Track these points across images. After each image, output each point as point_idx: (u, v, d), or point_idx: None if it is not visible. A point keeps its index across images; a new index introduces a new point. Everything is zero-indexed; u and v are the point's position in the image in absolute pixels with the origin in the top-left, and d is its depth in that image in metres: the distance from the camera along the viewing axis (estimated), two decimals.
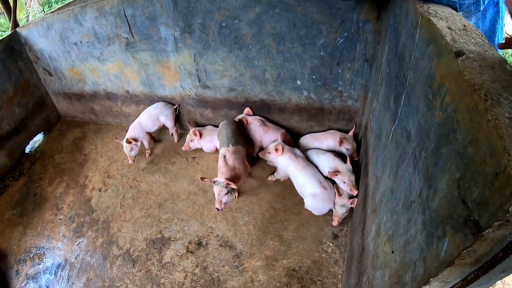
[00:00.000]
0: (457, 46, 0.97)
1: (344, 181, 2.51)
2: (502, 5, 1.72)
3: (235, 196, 2.86)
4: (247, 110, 3.10)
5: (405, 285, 1.02)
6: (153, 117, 3.30)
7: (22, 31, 3.54)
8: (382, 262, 1.33)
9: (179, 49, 2.96)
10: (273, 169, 2.92)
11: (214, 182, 2.46)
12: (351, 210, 2.52)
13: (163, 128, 3.50)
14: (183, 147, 3.22)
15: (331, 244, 2.52)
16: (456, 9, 1.50)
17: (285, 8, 2.43)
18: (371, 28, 2.37)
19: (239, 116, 3.08)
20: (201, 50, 2.88)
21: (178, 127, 3.55)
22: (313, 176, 2.58)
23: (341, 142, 2.79)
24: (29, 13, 16.62)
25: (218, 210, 2.43)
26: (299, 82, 2.79)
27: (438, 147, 0.93)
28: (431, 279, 0.85)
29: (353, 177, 2.52)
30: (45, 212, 3.16)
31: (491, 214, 0.62)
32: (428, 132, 1.03)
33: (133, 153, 3.17)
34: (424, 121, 1.09)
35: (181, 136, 3.54)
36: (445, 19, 1.25)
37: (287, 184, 2.88)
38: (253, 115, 3.11)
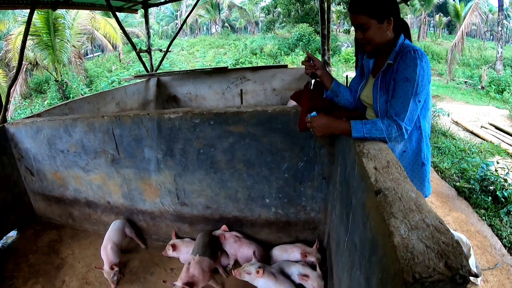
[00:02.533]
0: (377, 185, 1.40)
1: (314, 286, 2.73)
2: (425, 125, 2.12)
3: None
4: (223, 227, 3.35)
5: None
6: (120, 231, 3.46)
7: (10, 127, 3.77)
8: None
9: (160, 170, 3.29)
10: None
11: (174, 285, 2.74)
12: None
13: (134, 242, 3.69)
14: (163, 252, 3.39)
15: None
16: (386, 142, 1.97)
17: (254, 139, 2.92)
18: (326, 152, 2.86)
19: (217, 232, 3.32)
20: (180, 171, 3.24)
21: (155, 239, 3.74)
22: None
23: (305, 256, 3.02)
24: (10, 104, 16.86)
25: None
26: (267, 201, 3.16)
27: (370, 256, 1.30)
28: None
29: (322, 283, 2.74)
30: None
31: None
32: (365, 245, 1.41)
33: (115, 278, 3.19)
34: (363, 237, 1.47)
35: (160, 248, 3.62)
36: (373, 159, 1.69)
37: None
38: (229, 230, 3.36)
